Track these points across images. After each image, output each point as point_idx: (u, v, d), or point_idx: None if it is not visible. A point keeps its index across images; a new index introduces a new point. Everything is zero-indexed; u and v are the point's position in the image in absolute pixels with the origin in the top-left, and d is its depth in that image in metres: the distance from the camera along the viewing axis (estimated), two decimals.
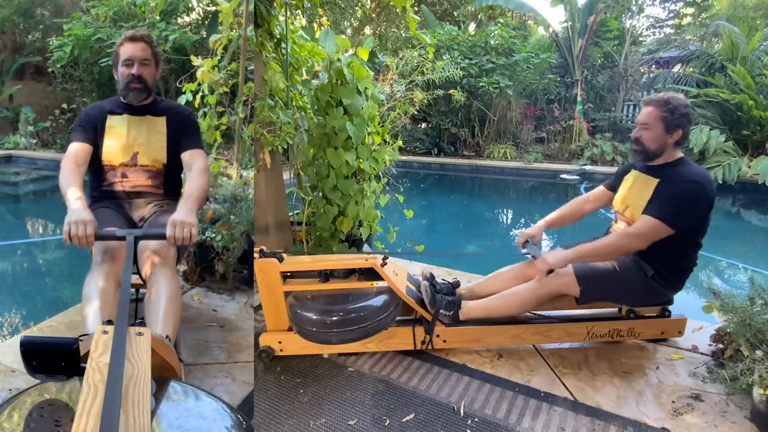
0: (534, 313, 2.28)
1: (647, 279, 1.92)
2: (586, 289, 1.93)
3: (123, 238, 1.51)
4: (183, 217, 1.60)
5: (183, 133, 2.01)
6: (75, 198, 1.64)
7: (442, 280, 2.17)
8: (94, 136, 1.94)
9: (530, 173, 8.89)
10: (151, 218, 1.94)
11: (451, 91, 6.59)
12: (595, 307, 2.10)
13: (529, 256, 2.13)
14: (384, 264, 1.95)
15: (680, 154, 1.95)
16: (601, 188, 2.26)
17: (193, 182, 1.84)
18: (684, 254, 1.91)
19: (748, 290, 1.88)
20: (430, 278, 2.06)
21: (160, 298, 1.58)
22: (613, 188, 2.17)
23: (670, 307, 2.08)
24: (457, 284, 2.14)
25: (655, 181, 1.91)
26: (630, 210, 1.99)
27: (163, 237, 1.56)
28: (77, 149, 1.90)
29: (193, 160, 1.94)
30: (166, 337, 1.43)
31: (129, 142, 1.96)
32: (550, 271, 1.93)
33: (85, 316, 1.50)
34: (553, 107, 10.20)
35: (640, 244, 1.85)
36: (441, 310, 1.96)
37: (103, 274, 1.60)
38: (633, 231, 1.85)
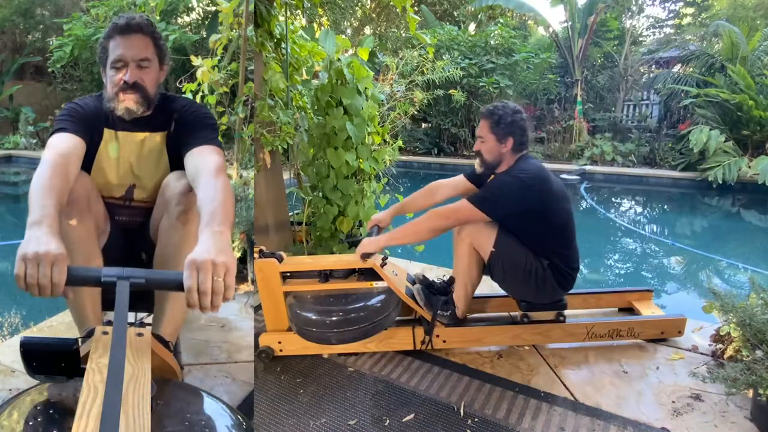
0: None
1: (545, 269, 1.91)
2: (497, 251, 1.90)
3: (112, 285, 0.90)
4: (208, 254, 0.93)
5: (186, 134, 1.45)
6: (43, 209, 1.04)
7: (440, 279, 2.17)
8: (89, 137, 1.41)
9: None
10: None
11: (451, 91, 6.59)
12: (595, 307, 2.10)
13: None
14: (383, 264, 1.95)
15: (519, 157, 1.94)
16: (461, 177, 2.22)
17: (209, 191, 1.16)
18: (562, 248, 1.93)
19: (748, 290, 1.88)
20: (423, 280, 2.07)
21: (163, 297, 1.44)
22: (476, 183, 2.13)
23: (664, 308, 2.08)
24: (452, 281, 2.14)
25: None
26: None
27: (178, 287, 0.93)
28: (68, 142, 1.31)
29: (201, 159, 1.33)
30: (167, 342, 1.41)
31: (123, 173, 1.50)
32: (365, 257, 1.91)
33: (76, 321, 1.39)
34: (553, 107, 10.19)
35: (446, 222, 1.88)
36: (438, 311, 1.96)
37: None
38: (441, 210, 1.89)
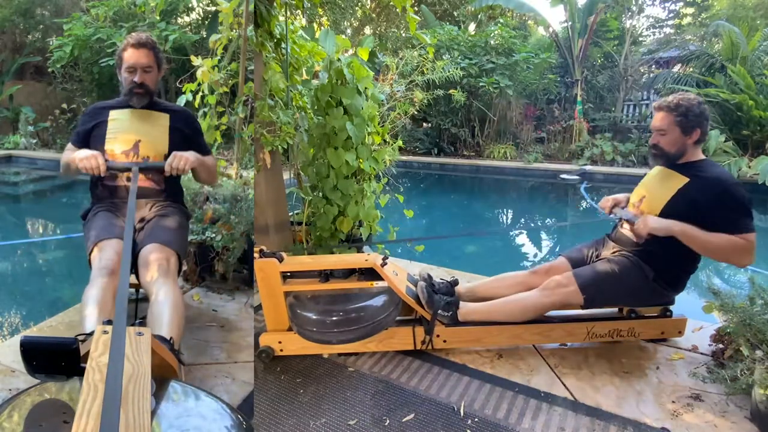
0: None
1: (648, 281, 1.92)
2: (589, 297, 1.93)
3: (129, 169, 1.87)
4: (183, 153, 1.89)
5: (188, 135, 2.08)
6: (80, 149, 1.90)
7: (441, 279, 2.17)
8: (90, 137, 1.99)
9: (530, 173, 8.89)
10: (152, 220, 1.93)
11: (451, 91, 6.59)
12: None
13: (617, 219, 2.12)
14: (384, 264, 1.95)
15: (701, 155, 1.96)
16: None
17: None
18: (687, 256, 1.90)
19: (748, 290, 1.88)
20: (428, 278, 2.07)
21: (163, 306, 1.56)
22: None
23: (670, 307, 2.08)
24: (455, 283, 2.14)
25: (682, 179, 1.90)
26: (647, 201, 2.00)
27: (162, 169, 1.87)
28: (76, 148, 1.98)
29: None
30: (170, 339, 1.42)
31: (131, 131, 1.99)
32: (647, 237, 1.87)
33: (84, 319, 1.49)
34: (553, 107, 10.20)
35: (748, 261, 1.80)
36: (439, 311, 1.96)
37: (101, 286, 1.59)
38: (744, 246, 1.76)
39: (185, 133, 2.08)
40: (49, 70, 8.39)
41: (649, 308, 2.07)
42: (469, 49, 9.20)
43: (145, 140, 1.98)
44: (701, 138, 1.92)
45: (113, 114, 2.01)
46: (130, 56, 1.96)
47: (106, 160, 1.83)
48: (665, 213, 1.88)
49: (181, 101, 2.78)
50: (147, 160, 1.96)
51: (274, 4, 2.48)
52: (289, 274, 1.97)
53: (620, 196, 2.18)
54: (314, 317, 1.90)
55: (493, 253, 4.95)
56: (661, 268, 1.92)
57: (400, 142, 3.09)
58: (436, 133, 10.28)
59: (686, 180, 1.89)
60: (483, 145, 9.84)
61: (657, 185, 2.00)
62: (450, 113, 9.64)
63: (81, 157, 1.78)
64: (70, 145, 2.04)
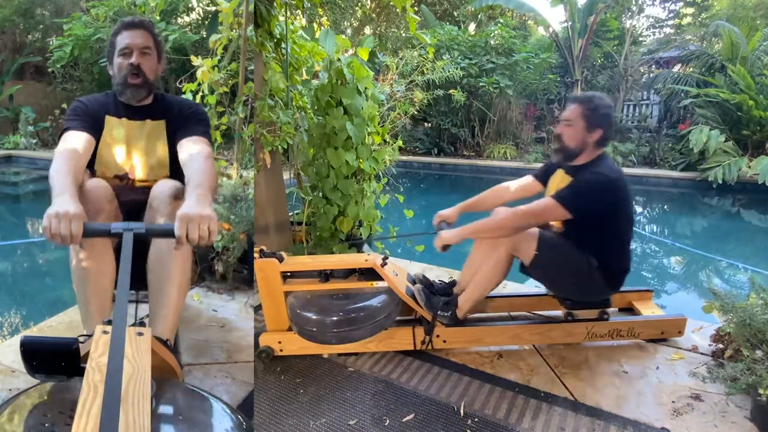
0: (534, 314, 2.29)
1: (591, 269, 1.90)
2: (541, 254, 1.88)
3: (119, 235, 1.13)
4: (195, 209, 1.21)
5: (182, 125, 1.68)
6: (63, 185, 1.29)
7: (440, 280, 2.17)
8: (94, 132, 1.63)
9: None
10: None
11: (451, 91, 6.60)
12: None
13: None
14: (384, 264, 1.95)
15: (599, 154, 1.94)
16: (529, 178, 2.24)
17: (198, 168, 1.45)
18: (618, 251, 1.92)
19: (748, 290, 1.88)
20: (423, 280, 2.06)
21: (158, 295, 1.46)
22: (543, 181, 2.15)
23: (664, 308, 2.08)
24: (453, 284, 2.14)
25: (569, 179, 1.92)
26: None
27: (171, 235, 1.19)
28: (78, 138, 1.54)
29: (193, 146, 1.59)
30: (167, 341, 1.41)
31: (126, 151, 1.69)
32: (445, 248, 1.94)
33: (83, 319, 1.47)
34: (553, 107, 10.19)
35: (534, 221, 1.85)
36: (439, 312, 1.96)
37: (84, 278, 1.39)
38: (529, 208, 1.84)
39: (181, 127, 1.71)
40: (49, 70, 8.40)
41: (586, 311, 2.05)
42: (469, 49, 9.20)
43: (142, 161, 1.69)
44: (602, 141, 1.90)
45: (109, 123, 1.68)
46: (124, 38, 1.65)
47: (82, 225, 1.18)
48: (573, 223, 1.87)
49: None
50: (144, 185, 1.66)
51: (274, 4, 2.48)
52: (289, 274, 1.97)
53: (447, 212, 2.16)
54: (314, 317, 1.90)
55: None
56: (599, 260, 1.90)
57: (400, 142, 3.09)
58: (436, 133, 10.28)
59: (570, 179, 1.90)
60: (483, 145, 9.84)
61: (550, 191, 2.00)
62: (450, 113, 9.64)
63: (50, 214, 1.16)
64: (75, 135, 1.57)
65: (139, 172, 1.70)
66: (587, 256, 1.90)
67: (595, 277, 1.90)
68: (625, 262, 1.96)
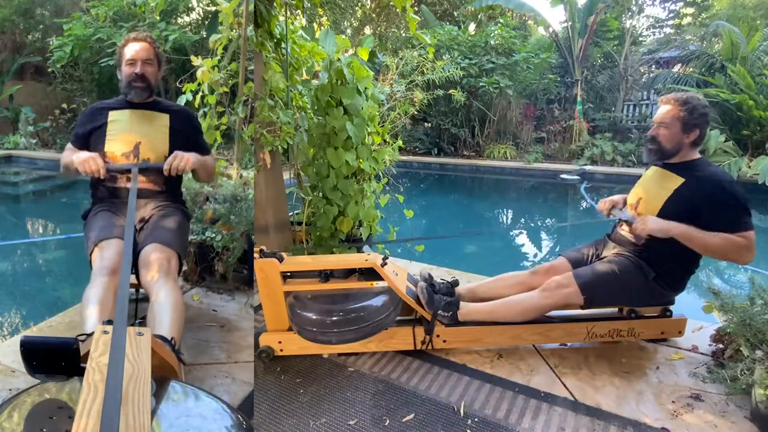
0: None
1: (648, 282, 1.92)
2: (589, 297, 1.93)
3: (129, 171, 1.88)
4: (184, 153, 1.89)
5: (189, 135, 2.09)
6: (78, 151, 1.89)
7: (441, 279, 2.17)
8: (89, 139, 1.99)
9: (530, 173, 8.89)
10: (152, 220, 1.94)
11: (451, 91, 6.60)
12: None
13: (617, 219, 2.13)
14: (384, 264, 1.95)
15: (697, 155, 1.95)
16: None
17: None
18: (686, 256, 1.89)
19: (748, 290, 1.88)
20: (428, 279, 2.06)
21: (164, 307, 1.57)
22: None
23: (670, 307, 2.08)
24: (455, 283, 2.14)
25: (678, 179, 1.90)
26: (644, 202, 2.00)
27: (162, 170, 1.86)
28: (76, 149, 1.98)
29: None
30: (171, 339, 1.42)
31: (131, 133, 1.98)
32: (640, 239, 1.91)
33: (85, 318, 1.49)
34: (553, 107, 10.20)
35: (749, 258, 1.80)
36: (439, 311, 1.96)
37: (102, 286, 1.59)
38: (743, 244, 1.77)
39: (185, 133, 2.08)
40: (49, 70, 8.39)
41: (649, 308, 2.07)
42: (469, 49, 9.20)
43: (145, 141, 1.98)
44: (698, 140, 1.91)
45: (113, 115, 2.00)
46: (131, 50, 1.99)
47: (106, 162, 1.85)
48: (663, 214, 1.88)
49: (181, 101, 2.79)
50: (147, 161, 1.96)
51: (274, 4, 2.48)
52: (289, 274, 1.97)
53: (617, 198, 2.18)
54: (314, 317, 1.90)
55: (493, 253, 4.95)
56: (661, 268, 1.92)
57: (400, 142, 3.09)
58: (436, 133, 10.28)
59: (682, 180, 1.90)
60: (483, 145, 9.84)
61: (653, 186, 2.00)
62: (450, 113, 9.64)
63: (80, 160, 1.80)
64: (69, 146, 2.04)
65: (144, 149, 1.98)
66: (640, 271, 1.92)
67: (653, 287, 1.93)
68: (691, 263, 1.95)
